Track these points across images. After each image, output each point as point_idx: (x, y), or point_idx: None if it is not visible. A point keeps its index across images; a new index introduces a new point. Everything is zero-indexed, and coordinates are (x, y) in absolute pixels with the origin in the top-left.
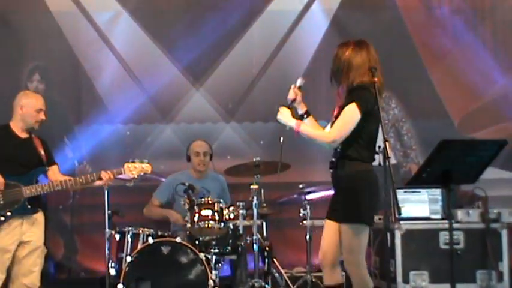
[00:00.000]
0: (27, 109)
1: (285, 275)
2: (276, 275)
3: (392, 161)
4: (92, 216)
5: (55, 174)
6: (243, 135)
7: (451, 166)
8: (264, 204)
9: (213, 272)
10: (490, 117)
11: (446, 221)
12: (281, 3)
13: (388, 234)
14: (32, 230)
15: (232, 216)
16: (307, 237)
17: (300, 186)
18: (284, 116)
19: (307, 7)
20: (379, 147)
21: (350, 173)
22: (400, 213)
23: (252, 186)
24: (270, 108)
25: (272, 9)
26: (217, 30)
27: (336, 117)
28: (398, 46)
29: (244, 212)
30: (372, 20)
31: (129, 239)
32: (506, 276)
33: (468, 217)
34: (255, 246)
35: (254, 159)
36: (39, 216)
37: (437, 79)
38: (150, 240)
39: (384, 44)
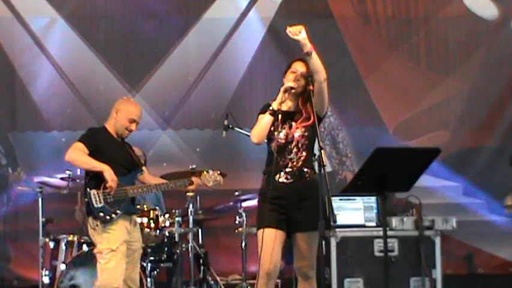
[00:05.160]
0: (121, 115)
1: (220, 283)
2: (212, 282)
3: (328, 168)
4: (26, 224)
5: (147, 177)
6: (179, 142)
7: (385, 174)
8: (200, 212)
9: (148, 279)
10: (425, 125)
11: (380, 229)
12: (218, 10)
13: (323, 242)
14: (135, 231)
15: (168, 223)
16: (243, 244)
17: (236, 193)
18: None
19: (244, 15)
20: (315, 155)
21: None
22: (335, 221)
23: (188, 194)
24: (206, 116)
25: (209, 16)
26: (153, 37)
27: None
28: (334, 54)
29: (180, 219)
30: (308, 28)
31: (64, 247)
32: (439, 283)
33: (402, 225)
34: (191, 254)
35: (190, 167)
36: (136, 218)
37: (373, 87)
38: (85, 247)
39: (319, 52)
